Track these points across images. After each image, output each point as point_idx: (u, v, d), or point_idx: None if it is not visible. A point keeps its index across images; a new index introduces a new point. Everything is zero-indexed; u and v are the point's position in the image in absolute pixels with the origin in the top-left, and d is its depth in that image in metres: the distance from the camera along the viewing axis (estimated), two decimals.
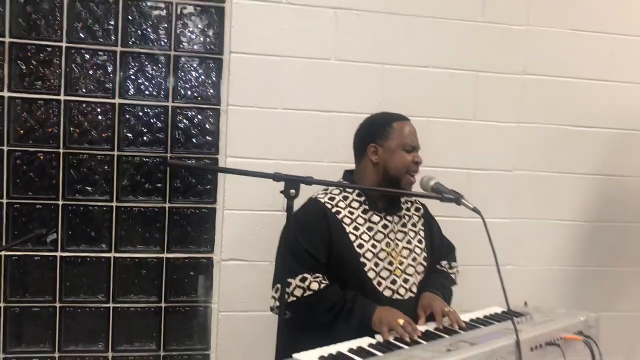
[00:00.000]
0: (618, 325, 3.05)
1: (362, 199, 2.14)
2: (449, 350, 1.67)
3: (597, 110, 2.97)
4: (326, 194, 2.14)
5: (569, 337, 1.98)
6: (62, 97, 2.65)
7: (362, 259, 2.05)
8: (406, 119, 2.21)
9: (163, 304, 2.78)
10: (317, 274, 2.01)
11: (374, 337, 1.84)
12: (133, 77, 2.72)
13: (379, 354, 1.70)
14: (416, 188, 2.13)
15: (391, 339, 1.82)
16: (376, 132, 2.16)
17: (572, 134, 2.96)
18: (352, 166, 2.25)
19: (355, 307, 1.96)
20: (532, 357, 1.86)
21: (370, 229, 2.10)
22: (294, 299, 1.98)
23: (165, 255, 2.77)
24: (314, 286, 1.97)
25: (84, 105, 2.68)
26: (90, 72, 2.68)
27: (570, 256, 3.01)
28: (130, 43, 2.70)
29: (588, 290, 3.03)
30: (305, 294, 1.97)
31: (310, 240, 2.03)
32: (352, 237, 2.06)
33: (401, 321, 1.86)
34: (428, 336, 1.86)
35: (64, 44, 2.63)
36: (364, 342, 1.80)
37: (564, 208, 2.99)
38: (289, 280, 1.98)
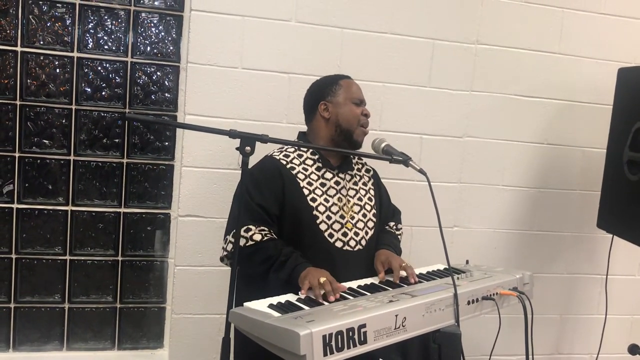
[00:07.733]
0: (554, 285, 3.25)
1: (316, 157, 2.21)
2: (391, 301, 1.78)
3: (544, 81, 3.08)
4: (281, 151, 2.21)
5: (504, 293, 2.11)
6: (19, 49, 2.62)
7: (314, 212, 2.12)
8: (350, 77, 2.31)
9: (120, 258, 2.83)
10: (262, 227, 2.06)
11: (297, 294, 1.90)
12: (92, 31, 2.70)
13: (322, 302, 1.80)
14: (368, 150, 2.22)
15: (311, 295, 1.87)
16: (325, 90, 2.25)
17: (519, 103, 3.07)
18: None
19: (289, 261, 2.00)
20: (469, 309, 1.99)
21: (323, 184, 2.18)
22: None
23: (122, 210, 2.81)
24: (257, 237, 2.03)
25: (41, 58, 2.66)
26: (49, 24, 2.66)
27: (513, 220, 3.15)
28: None
29: (528, 252, 3.18)
30: (247, 244, 2.02)
31: (263, 195, 2.09)
32: (306, 192, 2.13)
33: (322, 279, 1.86)
34: (372, 288, 1.98)
35: None
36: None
37: (509, 174, 3.11)
38: (236, 231, 2.04)
